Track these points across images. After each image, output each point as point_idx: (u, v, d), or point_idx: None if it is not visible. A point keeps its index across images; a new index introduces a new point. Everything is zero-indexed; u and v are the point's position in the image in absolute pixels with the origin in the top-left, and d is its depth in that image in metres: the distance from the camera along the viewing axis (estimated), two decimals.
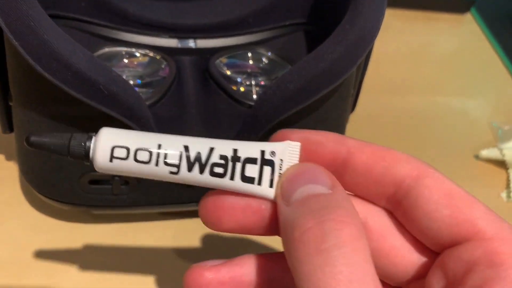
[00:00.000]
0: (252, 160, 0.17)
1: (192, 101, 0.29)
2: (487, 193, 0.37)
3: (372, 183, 0.17)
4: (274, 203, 0.17)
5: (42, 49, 0.21)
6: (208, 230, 0.31)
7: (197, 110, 0.29)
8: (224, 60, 0.31)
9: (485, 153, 0.39)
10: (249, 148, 0.18)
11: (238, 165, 0.17)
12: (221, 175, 0.17)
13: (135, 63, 0.30)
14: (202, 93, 0.29)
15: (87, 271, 0.28)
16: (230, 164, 0.17)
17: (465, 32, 0.52)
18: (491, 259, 0.15)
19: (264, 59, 0.32)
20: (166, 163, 0.17)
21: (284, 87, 0.24)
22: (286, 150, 0.18)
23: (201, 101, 0.29)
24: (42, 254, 0.28)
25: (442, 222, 0.16)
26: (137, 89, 0.26)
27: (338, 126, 0.29)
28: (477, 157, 0.39)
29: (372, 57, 0.31)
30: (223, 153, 0.17)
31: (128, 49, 0.30)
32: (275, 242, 0.30)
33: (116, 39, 0.30)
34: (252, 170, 0.17)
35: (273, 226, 0.17)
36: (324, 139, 0.17)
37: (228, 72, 0.31)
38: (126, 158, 0.17)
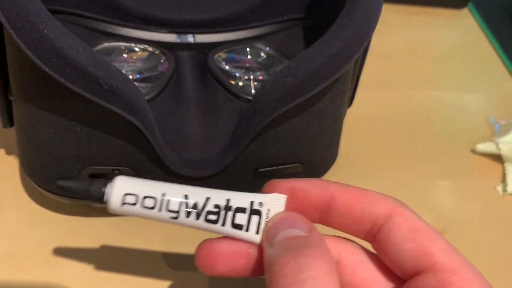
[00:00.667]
0: (242, 210, 0.20)
1: (191, 96, 0.29)
2: (483, 187, 0.37)
3: (353, 221, 0.20)
4: (260, 247, 0.20)
5: (42, 43, 0.21)
6: None
7: (195, 104, 0.29)
8: (222, 55, 0.31)
9: (482, 147, 0.39)
10: (240, 199, 0.21)
11: (230, 214, 0.20)
12: (214, 222, 0.20)
13: (134, 58, 0.30)
14: (200, 87, 0.30)
15: (86, 263, 0.28)
16: (222, 212, 0.20)
17: (463, 27, 0.52)
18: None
19: (262, 54, 0.32)
20: (168, 210, 0.20)
21: (282, 82, 0.25)
22: (273, 202, 0.21)
23: (199, 95, 0.29)
24: (42, 247, 0.29)
25: (407, 254, 0.18)
26: (136, 83, 0.26)
27: (335, 120, 0.29)
28: (473, 151, 0.39)
29: (369, 52, 0.31)
30: (217, 203, 0.20)
31: (127, 44, 0.30)
32: None
33: (115, 34, 0.31)
34: (241, 218, 0.20)
35: (260, 267, 0.20)
36: (309, 186, 0.20)
37: (227, 67, 0.31)
38: (134, 204, 0.20)
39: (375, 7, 0.25)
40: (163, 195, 0.20)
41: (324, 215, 0.21)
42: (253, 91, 0.30)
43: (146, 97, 0.27)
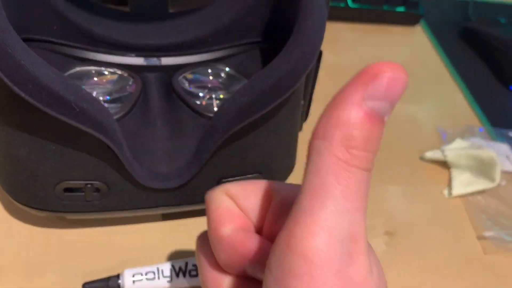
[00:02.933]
0: None
1: (157, 114, 0.32)
2: (431, 191, 0.41)
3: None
4: None
5: (19, 73, 0.23)
6: (174, 232, 0.34)
7: (162, 122, 0.31)
8: (187, 76, 0.34)
9: (430, 154, 0.43)
10: None
11: None
12: (196, 275, 0.30)
13: (104, 80, 0.32)
14: (166, 106, 0.32)
15: (63, 274, 0.30)
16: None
17: (415, 43, 0.56)
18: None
19: (223, 75, 0.35)
20: (163, 276, 0.30)
21: (238, 101, 0.28)
22: None
23: (165, 114, 0.32)
24: (20, 259, 0.31)
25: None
26: (106, 104, 0.29)
27: (290, 134, 0.32)
28: (422, 158, 0.43)
29: (326, 68, 0.34)
30: (193, 263, 0.30)
31: (97, 68, 0.33)
32: None
33: (86, 59, 0.33)
34: None
35: None
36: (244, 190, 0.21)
37: (191, 87, 0.34)
38: (141, 279, 0.29)
39: (318, 35, 0.28)
40: (158, 268, 0.30)
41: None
42: (215, 109, 0.33)
43: (116, 117, 0.30)
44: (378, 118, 0.16)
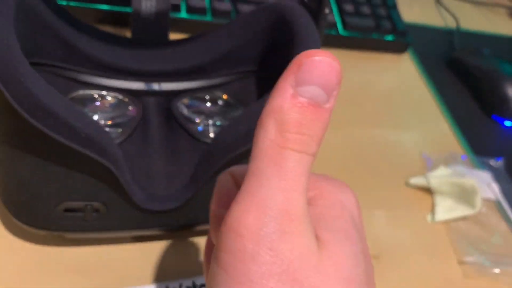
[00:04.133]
0: (203, 285, 0.32)
1: (156, 139, 0.33)
2: (414, 216, 0.42)
3: None
4: None
5: (30, 100, 0.25)
6: (173, 252, 0.35)
7: (160, 146, 0.33)
8: (185, 101, 0.36)
9: (414, 180, 0.44)
10: (201, 278, 0.32)
11: None
12: None
13: (106, 105, 0.34)
14: (165, 131, 0.34)
15: None
16: None
17: (402, 71, 0.59)
18: None
19: (220, 102, 0.36)
20: None
21: (235, 129, 0.29)
22: None
23: (164, 138, 0.33)
24: (19, 275, 0.31)
25: None
26: (107, 129, 0.30)
27: None
28: (407, 184, 0.45)
29: None
30: (188, 285, 0.32)
31: (99, 92, 0.34)
32: None
33: (88, 83, 0.34)
34: None
35: None
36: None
37: (189, 113, 0.35)
38: None
39: None
40: (167, 286, 0.31)
41: None
42: (211, 134, 0.34)
43: (117, 141, 0.31)
44: (310, 103, 0.17)
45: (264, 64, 0.37)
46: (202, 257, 0.35)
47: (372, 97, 0.54)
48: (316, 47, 0.31)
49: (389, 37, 0.58)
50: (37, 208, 0.30)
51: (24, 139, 0.28)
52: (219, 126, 0.35)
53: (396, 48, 0.59)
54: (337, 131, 0.48)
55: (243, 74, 0.37)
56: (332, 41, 0.56)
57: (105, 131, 0.27)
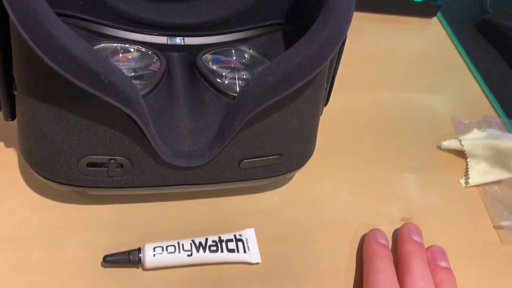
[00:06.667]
0: (230, 240, 0.32)
1: (181, 93, 0.32)
2: (447, 180, 0.41)
3: None
4: None
5: (49, 42, 0.23)
6: (193, 210, 0.34)
7: (185, 101, 0.31)
8: (209, 56, 0.34)
9: (446, 143, 0.43)
10: (227, 235, 0.32)
11: (223, 244, 0.31)
12: (215, 251, 0.31)
13: (129, 57, 0.32)
14: (190, 85, 0.32)
15: (84, 248, 0.31)
16: (218, 244, 0.31)
17: (432, 35, 0.56)
18: None
19: (246, 56, 0.35)
20: (184, 250, 0.30)
21: (264, 80, 0.27)
22: (248, 233, 0.33)
23: (189, 92, 0.32)
24: (40, 232, 0.31)
25: None
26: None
27: (312, 117, 0.32)
28: (439, 147, 0.43)
29: (345, 56, 0.34)
30: (213, 239, 0.31)
31: (122, 45, 0.33)
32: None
33: (110, 35, 0.33)
34: (232, 245, 0.32)
35: None
36: None
37: (214, 67, 0.34)
38: (162, 253, 0.30)
39: (347, 15, 0.28)
40: (178, 243, 0.30)
41: None
42: (238, 88, 0.33)
43: (141, 93, 0.30)
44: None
45: (291, 16, 0.35)
46: (227, 215, 0.34)
47: (401, 62, 0.52)
48: (350, 2, 0.29)
49: (419, 0, 0.56)
50: (59, 162, 0.29)
51: (46, 88, 0.26)
52: (246, 79, 0.33)
53: (426, 11, 0.57)
54: (367, 95, 0.46)
55: (270, 28, 0.35)
56: (360, 4, 0.54)
57: (130, 79, 0.26)
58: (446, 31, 0.57)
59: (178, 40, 0.34)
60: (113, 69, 0.25)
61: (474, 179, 0.40)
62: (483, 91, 0.50)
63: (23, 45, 0.25)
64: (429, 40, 0.55)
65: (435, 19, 0.58)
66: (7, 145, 0.34)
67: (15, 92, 0.28)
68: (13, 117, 0.31)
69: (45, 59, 0.24)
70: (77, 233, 0.31)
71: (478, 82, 0.51)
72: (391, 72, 0.50)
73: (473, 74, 0.52)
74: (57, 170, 0.29)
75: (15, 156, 0.34)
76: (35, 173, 0.30)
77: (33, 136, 0.28)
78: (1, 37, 0.27)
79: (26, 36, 0.23)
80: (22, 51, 0.26)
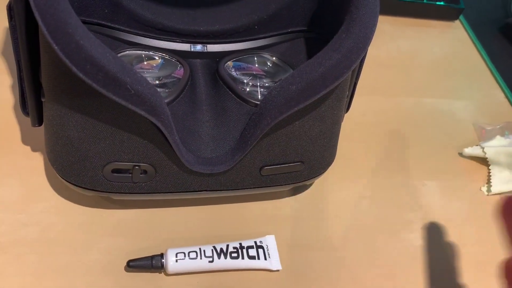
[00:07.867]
0: (251, 247, 0.32)
1: (204, 100, 0.32)
2: (469, 187, 0.40)
3: None
4: None
5: (78, 53, 0.24)
6: (215, 217, 0.34)
7: (208, 108, 0.32)
8: (231, 63, 0.34)
9: (469, 150, 0.42)
10: (248, 241, 0.32)
11: (244, 251, 0.32)
12: (236, 257, 0.31)
13: (153, 64, 0.33)
14: (212, 92, 0.33)
15: (107, 252, 0.31)
16: (239, 251, 0.32)
17: (454, 38, 0.55)
18: None
19: (268, 63, 0.35)
20: (205, 256, 0.31)
21: (287, 88, 0.28)
22: (268, 240, 0.33)
23: (211, 100, 0.32)
24: (66, 235, 0.32)
25: None
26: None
27: (334, 124, 0.32)
28: (461, 154, 0.43)
29: (366, 60, 0.34)
30: (234, 245, 0.32)
31: (147, 52, 0.33)
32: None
33: (135, 43, 0.33)
34: (252, 252, 0.32)
35: None
36: None
37: (236, 74, 0.34)
38: (184, 258, 0.30)
39: (371, 23, 0.28)
40: (200, 249, 0.31)
41: None
42: (259, 96, 0.33)
43: (165, 101, 0.30)
44: None
45: (313, 24, 0.35)
46: (248, 221, 0.34)
47: (421, 66, 0.51)
48: (376, 4, 0.29)
49: (441, 2, 0.55)
50: (85, 168, 0.29)
51: (73, 95, 0.27)
52: (268, 87, 0.33)
53: (448, 14, 0.56)
54: (387, 100, 0.46)
55: (292, 35, 0.35)
56: (382, 7, 0.53)
57: (155, 89, 0.26)
58: (469, 35, 0.56)
59: (201, 47, 0.34)
60: (139, 79, 0.26)
61: (496, 187, 0.40)
62: (506, 97, 0.49)
63: (52, 54, 0.26)
64: (451, 43, 0.55)
65: (457, 22, 0.58)
66: (34, 149, 0.35)
67: (43, 99, 0.29)
68: (40, 123, 0.31)
69: (74, 69, 0.24)
70: (101, 237, 0.32)
71: (501, 87, 0.50)
72: (412, 77, 0.49)
73: (496, 79, 0.51)
74: (83, 176, 0.30)
75: (42, 160, 0.35)
76: (61, 178, 0.31)
77: (59, 142, 0.29)
78: (30, 46, 0.28)
79: (55, 47, 0.24)
80: (50, 60, 0.26)
